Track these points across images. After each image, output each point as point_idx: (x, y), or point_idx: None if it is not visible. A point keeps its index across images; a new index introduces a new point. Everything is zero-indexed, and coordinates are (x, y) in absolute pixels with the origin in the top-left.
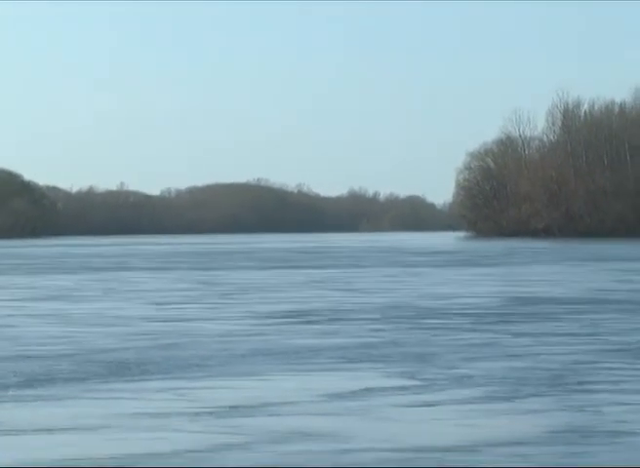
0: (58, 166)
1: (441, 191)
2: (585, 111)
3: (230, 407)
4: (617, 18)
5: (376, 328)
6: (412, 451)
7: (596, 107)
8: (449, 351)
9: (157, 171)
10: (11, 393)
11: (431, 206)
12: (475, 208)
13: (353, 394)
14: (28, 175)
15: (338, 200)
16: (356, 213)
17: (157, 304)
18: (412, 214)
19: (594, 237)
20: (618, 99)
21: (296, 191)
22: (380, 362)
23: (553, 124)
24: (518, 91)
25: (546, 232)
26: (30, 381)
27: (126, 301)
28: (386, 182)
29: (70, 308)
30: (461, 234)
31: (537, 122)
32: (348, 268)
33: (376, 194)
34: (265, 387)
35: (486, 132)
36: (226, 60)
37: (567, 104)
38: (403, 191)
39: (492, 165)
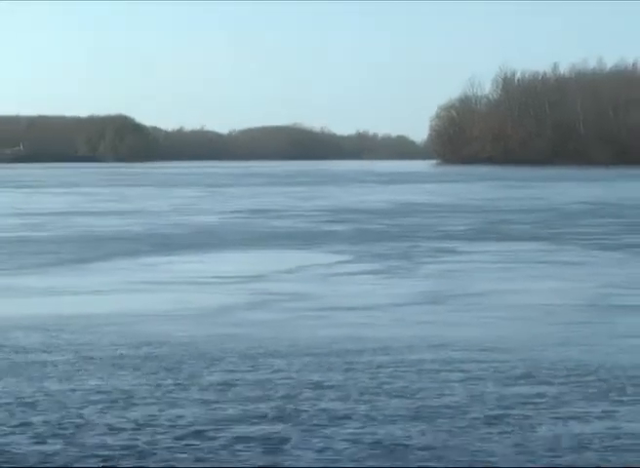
0: (159, 111)
1: (420, 133)
2: (518, 78)
3: (239, 276)
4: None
5: (313, 220)
6: (360, 309)
7: (526, 76)
8: (350, 236)
9: (226, 116)
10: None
11: (413, 143)
12: (443, 144)
13: (306, 267)
14: (139, 118)
15: (348, 138)
16: (361, 147)
17: (174, 205)
18: (400, 148)
19: (523, 165)
20: (541, 71)
21: (320, 131)
22: (318, 244)
23: (496, 87)
24: (475, 63)
25: (491, 161)
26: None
27: (156, 202)
28: (383, 126)
29: (124, 207)
30: (433, 162)
31: (485, 86)
32: (320, 185)
33: (375, 134)
34: (253, 262)
35: (451, 92)
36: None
37: (506, 73)
38: (394, 132)
39: (455, 115)
